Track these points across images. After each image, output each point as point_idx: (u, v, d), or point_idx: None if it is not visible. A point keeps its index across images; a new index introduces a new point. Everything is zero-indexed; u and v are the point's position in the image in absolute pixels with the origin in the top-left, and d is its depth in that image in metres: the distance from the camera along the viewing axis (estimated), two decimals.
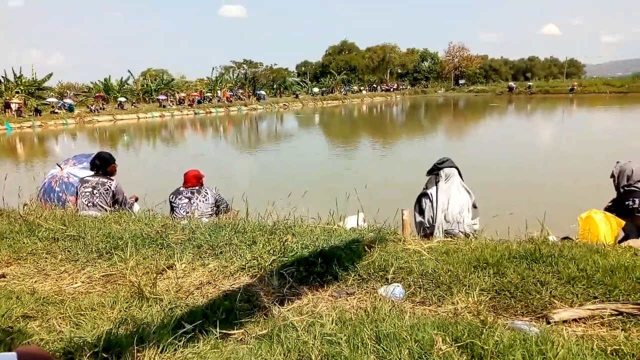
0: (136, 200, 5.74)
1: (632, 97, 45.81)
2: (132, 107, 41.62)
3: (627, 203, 4.20)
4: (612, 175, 4.42)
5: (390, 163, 15.62)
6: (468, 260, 3.00)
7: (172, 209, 5.05)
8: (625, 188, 4.28)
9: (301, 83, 66.03)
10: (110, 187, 5.06)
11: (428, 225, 4.31)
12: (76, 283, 3.03)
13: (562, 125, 26.90)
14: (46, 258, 3.40)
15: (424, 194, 4.50)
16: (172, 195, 5.12)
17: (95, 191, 5.01)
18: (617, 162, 4.43)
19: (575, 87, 54.28)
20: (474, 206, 4.42)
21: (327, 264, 3.00)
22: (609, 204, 4.36)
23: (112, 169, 5.24)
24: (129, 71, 50.78)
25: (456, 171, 4.46)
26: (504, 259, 2.96)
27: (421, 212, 4.45)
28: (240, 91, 54.65)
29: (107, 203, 5.00)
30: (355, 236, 3.57)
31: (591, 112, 34.91)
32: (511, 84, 62.77)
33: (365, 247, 3.26)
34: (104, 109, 39.37)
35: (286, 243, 3.31)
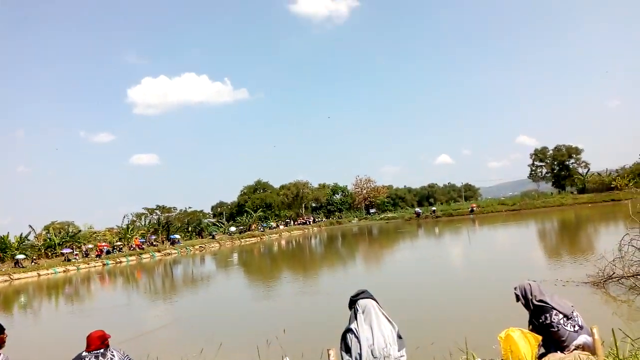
0: None
1: (525, 213, 50.93)
2: (33, 264, 38.43)
3: (540, 320, 4.38)
4: (518, 299, 4.64)
5: (312, 298, 15.34)
6: None
7: None
8: (535, 304, 4.47)
9: (217, 223, 65.67)
10: None
11: None
12: None
13: (468, 246, 28.52)
14: None
15: (348, 330, 4.38)
16: None
17: None
18: (515, 288, 4.69)
19: (475, 209, 59.07)
20: (399, 336, 4.35)
21: None
22: (530, 327, 4.50)
23: (0, 340, 4.62)
24: (30, 226, 47.84)
25: (374, 302, 4.44)
26: None
27: (347, 349, 4.29)
28: (154, 237, 52.94)
29: None
30: None
31: (493, 230, 37.67)
32: (417, 209, 67.14)
33: None
34: None
35: None
